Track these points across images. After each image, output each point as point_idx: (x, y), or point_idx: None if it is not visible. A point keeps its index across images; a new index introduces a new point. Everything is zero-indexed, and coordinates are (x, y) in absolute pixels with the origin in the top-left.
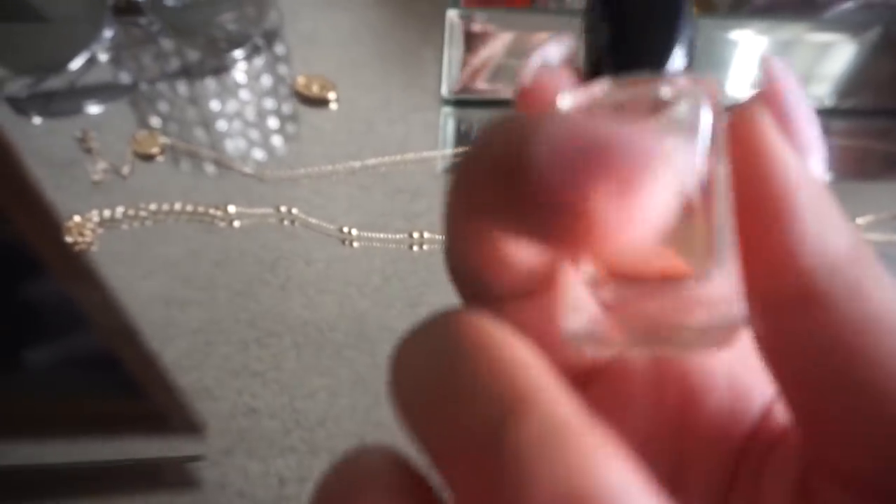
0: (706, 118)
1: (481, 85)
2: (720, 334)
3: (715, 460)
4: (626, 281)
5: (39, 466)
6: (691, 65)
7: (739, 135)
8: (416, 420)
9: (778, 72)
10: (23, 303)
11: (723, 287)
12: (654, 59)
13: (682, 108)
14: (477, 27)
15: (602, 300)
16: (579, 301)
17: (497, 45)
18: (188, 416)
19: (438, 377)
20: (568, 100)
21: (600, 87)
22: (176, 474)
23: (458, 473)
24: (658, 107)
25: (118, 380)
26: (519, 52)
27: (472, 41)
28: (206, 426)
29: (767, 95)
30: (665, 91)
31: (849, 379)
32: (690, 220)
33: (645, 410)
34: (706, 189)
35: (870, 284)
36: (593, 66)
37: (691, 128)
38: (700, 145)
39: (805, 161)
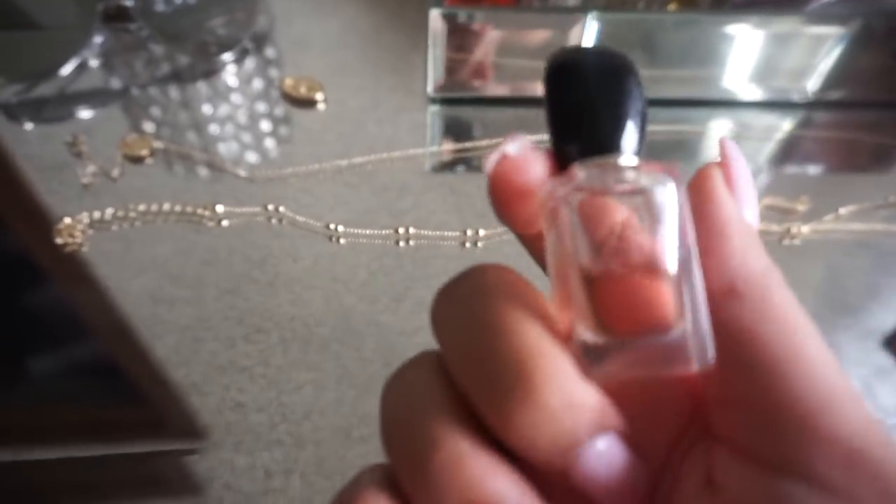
0: (676, 201)
1: (466, 83)
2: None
3: (670, 428)
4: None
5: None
6: (643, 139)
7: (701, 185)
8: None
9: (730, 150)
10: (20, 309)
11: (694, 333)
12: (609, 142)
13: (656, 194)
14: (461, 25)
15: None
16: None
17: (482, 43)
18: (188, 421)
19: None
20: (550, 187)
21: (571, 176)
22: (164, 468)
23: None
24: (627, 190)
25: (116, 385)
26: (503, 50)
27: (455, 39)
28: (207, 431)
29: (721, 164)
30: (631, 175)
31: (747, 355)
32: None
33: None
34: (682, 258)
35: (773, 291)
36: (558, 149)
37: (664, 209)
38: (674, 224)
39: (741, 208)
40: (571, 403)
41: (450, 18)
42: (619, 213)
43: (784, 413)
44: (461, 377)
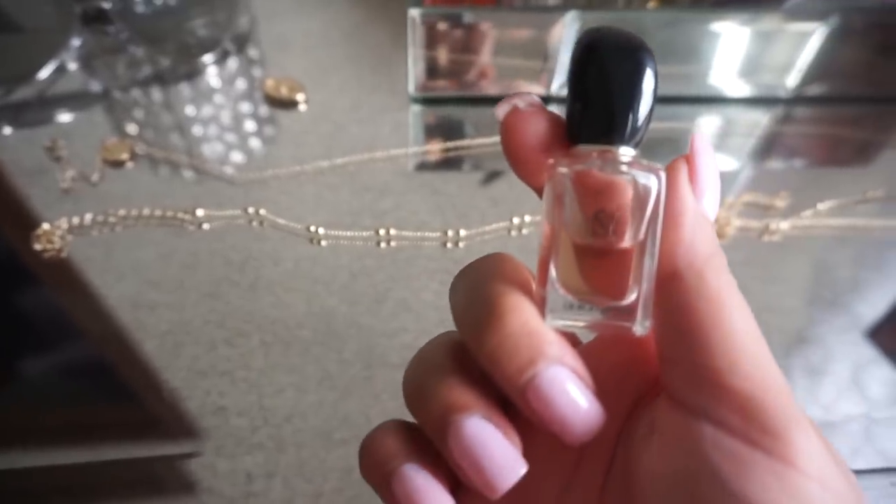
0: (657, 194)
1: (447, 82)
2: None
3: (629, 393)
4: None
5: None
6: (645, 132)
7: (667, 177)
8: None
9: (699, 144)
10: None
11: (641, 304)
12: (616, 134)
13: (642, 186)
14: (440, 25)
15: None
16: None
17: (463, 42)
18: (180, 419)
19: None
20: (553, 160)
21: (575, 155)
22: (147, 473)
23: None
24: (619, 179)
25: (105, 387)
26: (483, 49)
27: (434, 39)
28: (201, 429)
29: (688, 157)
30: (625, 166)
31: (680, 324)
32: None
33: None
34: (650, 241)
35: (709, 276)
36: (571, 122)
37: (647, 200)
38: (651, 213)
39: (700, 199)
40: (529, 332)
41: (428, 18)
42: (609, 196)
43: (701, 370)
44: (460, 329)
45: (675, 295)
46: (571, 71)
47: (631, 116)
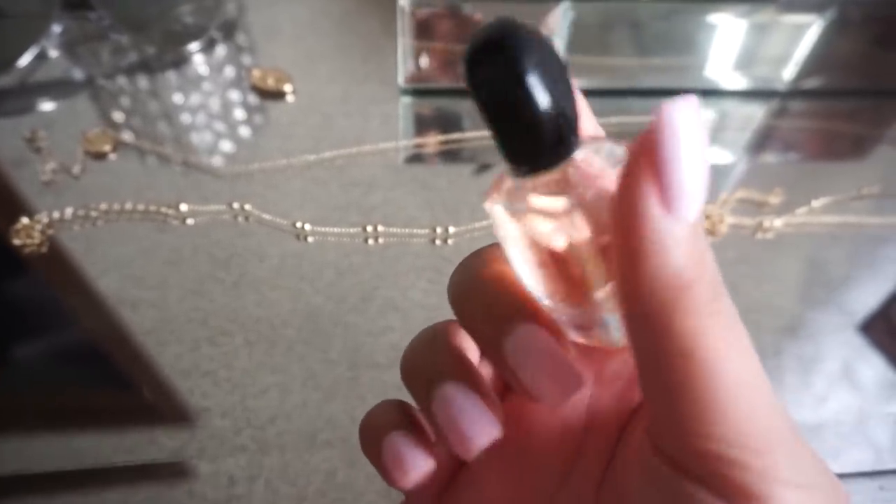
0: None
1: (438, 73)
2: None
3: (611, 425)
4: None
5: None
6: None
7: (620, 192)
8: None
9: (667, 119)
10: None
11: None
12: (543, 161)
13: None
14: (429, 14)
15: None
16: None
17: (454, 31)
18: (161, 421)
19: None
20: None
21: (504, 187)
22: (125, 479)
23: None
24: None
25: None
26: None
27: (424, 29)
28: (197, 416)
29: (646, 146)
30: (573, 173)
31: (650, 377)
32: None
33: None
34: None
35: (673, 318)
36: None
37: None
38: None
39: (670, 205)
40: (505, 293)
41: (416, 7)
42: (545, 226)
43: (673, 427)
44: (454, 306)
45: (633, 334)
46: (472, 91)
47: (563, 124)
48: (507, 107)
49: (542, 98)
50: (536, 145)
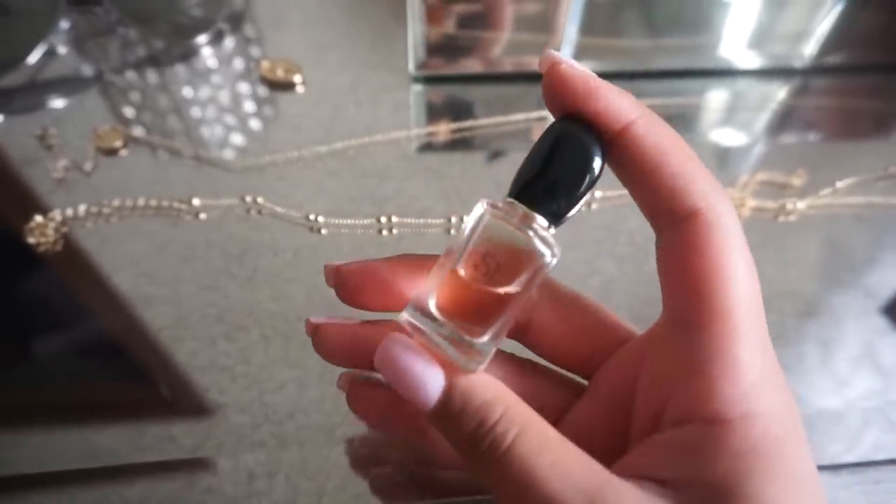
0: (544, 272)
1: (449, 60)
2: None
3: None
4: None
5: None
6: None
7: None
8: None
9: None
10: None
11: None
12: (546, 207)
13: (538, 256)
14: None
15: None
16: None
17: (465, 17)
18: (180, 416)
19: None
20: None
21: (502, 204)
22: (146, 472)
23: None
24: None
25: (103, 381)
26: (485, 24)
27: (435, 15)
28: (215, 412)
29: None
30: (538, 233)
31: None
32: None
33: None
34: (517, 302)
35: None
36: (517, 182)
37: (535, 270)
38: (532, 281)
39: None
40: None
41: None
42: (503, 248)
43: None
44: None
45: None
46: (539, 141)
47: (564, 203)
48: (571, 176)
49: (589, 187)
50: (559, 205)
